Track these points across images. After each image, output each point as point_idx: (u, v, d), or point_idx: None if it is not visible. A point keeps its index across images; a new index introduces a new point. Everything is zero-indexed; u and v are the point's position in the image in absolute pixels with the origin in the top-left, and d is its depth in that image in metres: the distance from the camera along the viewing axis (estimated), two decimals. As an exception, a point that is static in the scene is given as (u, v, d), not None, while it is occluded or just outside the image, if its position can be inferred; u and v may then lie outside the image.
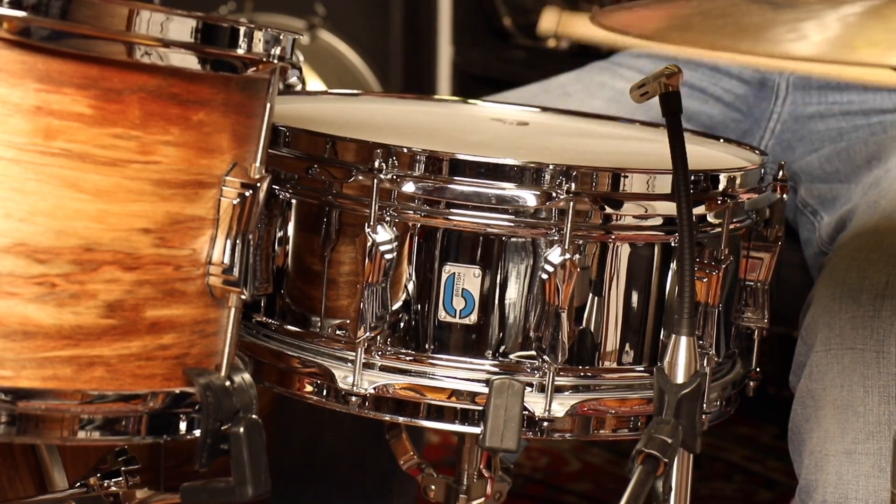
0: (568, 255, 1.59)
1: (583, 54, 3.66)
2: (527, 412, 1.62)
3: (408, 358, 1.65)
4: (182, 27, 1.41)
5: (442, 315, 1.63)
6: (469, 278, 1.62)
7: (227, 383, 1.49)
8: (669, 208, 1.62)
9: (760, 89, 2.29)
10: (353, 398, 1.64)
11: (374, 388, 1.64)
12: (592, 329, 1.65)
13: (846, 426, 1.82)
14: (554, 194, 1.60)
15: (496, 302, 1.63)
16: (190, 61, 1.43)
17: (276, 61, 1.48)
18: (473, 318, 1.63)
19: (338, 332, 1.67)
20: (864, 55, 1.27)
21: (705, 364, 1.66)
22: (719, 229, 1.69)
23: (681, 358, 1.57)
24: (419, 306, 1.64)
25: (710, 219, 1.69)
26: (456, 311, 1.63)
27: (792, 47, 1.30)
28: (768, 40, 1.31)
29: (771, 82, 2.27)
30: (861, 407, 1.81)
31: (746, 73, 2.29)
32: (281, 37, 1.49)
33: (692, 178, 1.63)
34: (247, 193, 1.48)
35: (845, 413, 1.82)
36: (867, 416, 1.81)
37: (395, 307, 1.64)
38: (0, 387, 1.39)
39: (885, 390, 1.82)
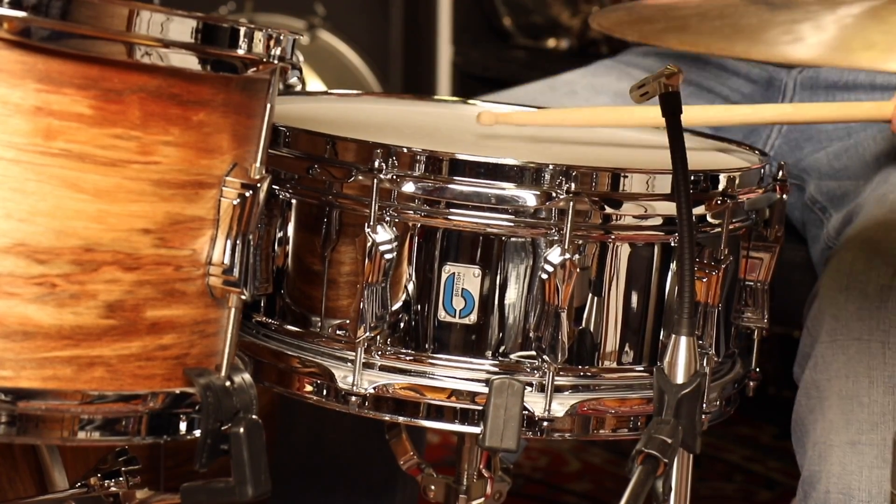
0: (568, 255, 1.59)
1: (582, 54, 3.67)
2: (527, 412, 1.62)
3: (408, 358, 1.65)
4: (182, 27, 1.41)
5: (442, 315, 1.63)
6: (469, 278, 1.62)
7: (227, 383, 1.49)
8: (669, 208, 1.62)
9: (767, 89, 2.29)
10: (353, 398, 1.64)
11: (374, 388, 1.64)
12: (592, 329, 1.65)
13: (850, 417, 1.81)
14: (554, 194, 1.60)
15: (496, 302, 1.63)
16: (190, 62, 1.43)
17: (276, 62, 1.48)
18: (473, 317, 1.63)
19: (338, 332, 1.67)
20: (861, 57, 1.27)
21: (705, 364, 1.66)
22: (719, 229, 1.69)
23: (681, 358, 1.57)
24: (419, 306, 1.64)
25: (709, 219, 1.69)
26: (456, 310, 1.63)
27: (788, 49, 1.30)
28: (765, 42, 1.31)
29: (778, 82, 2.27)
30: (866, 398, 1.81)
31: (754, 72, 2.29)
32: (281, 37, 1.49)
33: (692, 178, 1.63)
34: (247, 194, 1.48)
35: (850, 404, 1.82)
36: (872, 406, 1.81)
37: (395, 307, 1.64)
38: (0, 387, 1.39)
39: (891, 381, 1.82)
